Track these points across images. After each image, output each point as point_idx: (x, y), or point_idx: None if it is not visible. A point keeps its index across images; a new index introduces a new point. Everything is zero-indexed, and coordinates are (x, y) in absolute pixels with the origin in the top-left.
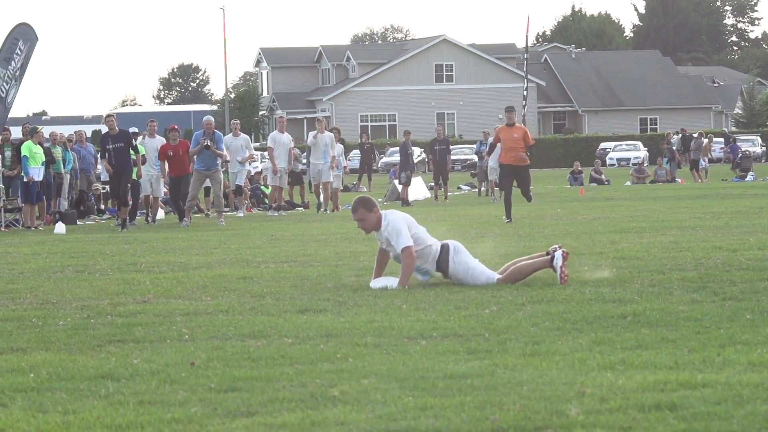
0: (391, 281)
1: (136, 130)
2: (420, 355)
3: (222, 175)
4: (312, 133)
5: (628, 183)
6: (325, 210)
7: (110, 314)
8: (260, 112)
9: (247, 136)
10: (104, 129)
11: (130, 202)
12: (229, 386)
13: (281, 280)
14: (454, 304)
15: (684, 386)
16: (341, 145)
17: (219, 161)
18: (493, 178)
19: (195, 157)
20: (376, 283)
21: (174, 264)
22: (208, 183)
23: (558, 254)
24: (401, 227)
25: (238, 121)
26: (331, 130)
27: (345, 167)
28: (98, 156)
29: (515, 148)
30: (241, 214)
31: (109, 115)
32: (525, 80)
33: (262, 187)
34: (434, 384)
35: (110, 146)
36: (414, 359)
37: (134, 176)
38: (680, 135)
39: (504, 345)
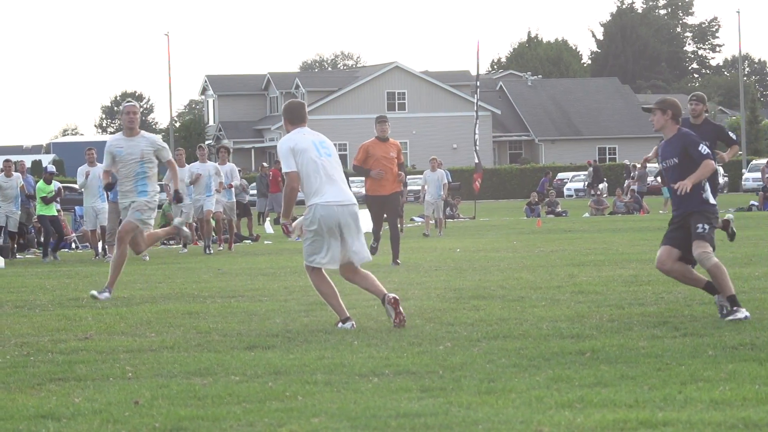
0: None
1: (53, 169)
2: (372, 393)
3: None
4: (195, 165)
5: (587, 214)
6: (209, 248)
7: (51, 351)
8: (206, 142)
9: (215, 164)
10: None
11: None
12: (175, 426)
13: (228, 315)
14: (407, 340)
15: (644, 425)
16: (231, 165)
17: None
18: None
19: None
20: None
21: (117, 299)
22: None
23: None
24: (287, 152)
25: (183, 150)
26: (219, 150)
27: (232, 187)
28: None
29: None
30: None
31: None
32: (476, 108)
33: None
34: (387, 423)
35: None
36: (366, 397)
37: (54, 211)
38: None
39: (459, 382)
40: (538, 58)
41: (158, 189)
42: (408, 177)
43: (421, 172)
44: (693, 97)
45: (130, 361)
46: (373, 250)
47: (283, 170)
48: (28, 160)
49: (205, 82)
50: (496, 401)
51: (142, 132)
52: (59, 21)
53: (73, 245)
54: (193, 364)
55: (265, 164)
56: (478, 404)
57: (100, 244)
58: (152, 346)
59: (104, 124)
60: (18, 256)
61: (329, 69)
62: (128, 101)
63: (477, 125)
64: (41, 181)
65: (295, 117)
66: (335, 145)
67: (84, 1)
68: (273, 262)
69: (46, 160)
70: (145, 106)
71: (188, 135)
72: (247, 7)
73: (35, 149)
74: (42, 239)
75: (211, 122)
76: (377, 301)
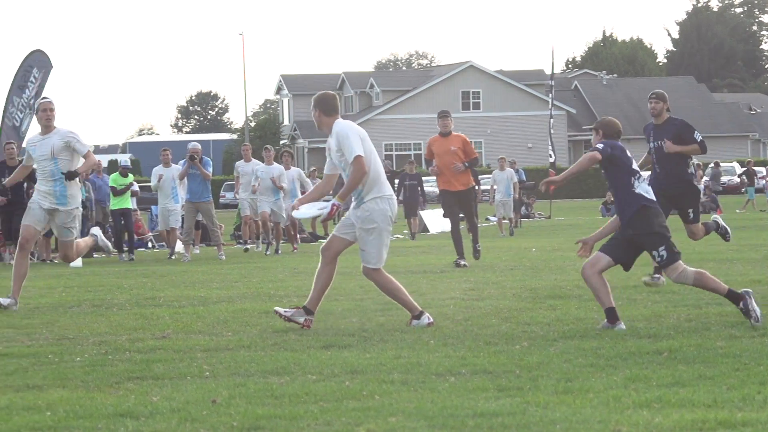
0: (318, 206)
1: (127, 163)
2: (449, 392)
3: (212, 206)
4: (260, 167)
5: None
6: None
7: (129, 350)
8: (281, 141)
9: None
10: (122, 158)
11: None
12: (252, 424)
13: None
14: (484, 339)
15: (723, 425)
16: (297, 169)
17: (209, 191)
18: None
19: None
20: (301, 212)
21: (194, 298)
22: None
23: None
24: (356, 136)
25: (249, 145)
26: (282, 155)
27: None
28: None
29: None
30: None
31: (8, 143)
32: (551, 107)
33: None
34: (464, 422)
35: (5, 178)
36: (442, 396)
37: (128, 205)
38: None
39: (536, 382)
40: (613, 57)
41: (79, 193)
42: (483, 176)
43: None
44: (652, 95)
45: (207, 360)
46: (477, 253)
47: (356, 153)
48: (104, 160)
49: (280, 81)
50: (573, 401)
51: (57, 128)
52: (136, 21)
53: (150, 244)
54: (270, 363)
55: None
56: (555, 404)
57: (179, 244)
58: (229, 345)
59: (180, 124)
60: (95, 255)
61: (404, 68)
62: (44, 98)
63: (552, 124)
64: (116, 173)
65: (331, 108)
66: (410, 144)
67: (160, 2)
68: (349, 261)
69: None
70: (220, 105)
71: (263, 135)
72: (322, 6)
73: (111, 149)
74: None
75: (285, 122)
76: (453, 300)
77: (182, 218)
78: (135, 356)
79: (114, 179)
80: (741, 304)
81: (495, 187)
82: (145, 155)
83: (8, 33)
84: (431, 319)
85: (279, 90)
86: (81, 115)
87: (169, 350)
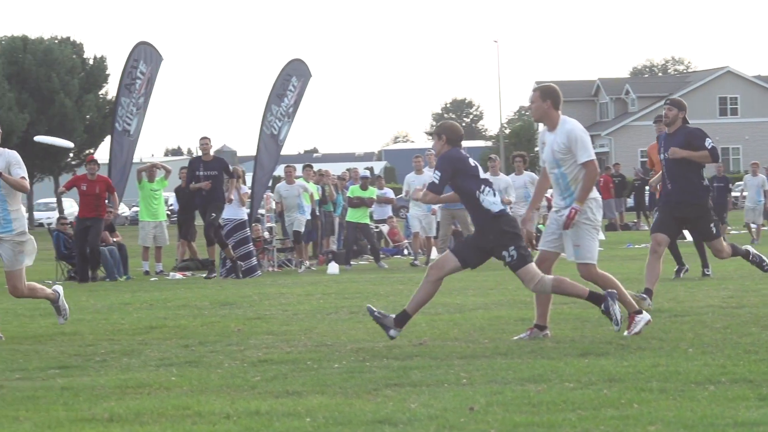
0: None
1: (366, 173)
2: (708, 401)
3: (467, 214)
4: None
5: None
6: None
7: (386, 357)
8: (536, 148)
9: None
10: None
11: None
12: None
13: (560, 322)
14: (743, 348)
15: None
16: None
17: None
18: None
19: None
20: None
21: (450, 305)
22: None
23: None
24: (587, 138)
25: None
26: (513, 159)
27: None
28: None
29: None
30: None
31: (204, 137)
32: None
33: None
34: (724, 431)
35: (201, 173)
36: (702, 405)
37: (365, 220)
38: None
39: None
40: None
41: (24, 215)
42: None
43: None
44: (666, 102)
45: (464, 367)
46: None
47: (591, 157)
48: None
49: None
50: None
51: (4, 150)
52: (391, 30)
53: (405, 251)
54: (526, 371)
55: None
56: None
57: (434, 251)
58: (486, 352)
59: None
60: (351, 263)
61: (659, 74)
62: None
63: None
64: (356, 185)
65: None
66: None
67: (415, 12)
68: (605, 268)
69: (378, 167)
70: (474, 113)
71: (518, 141)
72: (577, 12)
73: (367, 156)
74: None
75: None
76: (711, 307)
77: (437, 225)
78: (392, 363)
79: (353, 191)
80: (602, 306)
81: (744, 192)
82: (400, 162)
83: (268, 43)
84: (639, 322)
85: None
86: (338, 123)
87: (426, 357)
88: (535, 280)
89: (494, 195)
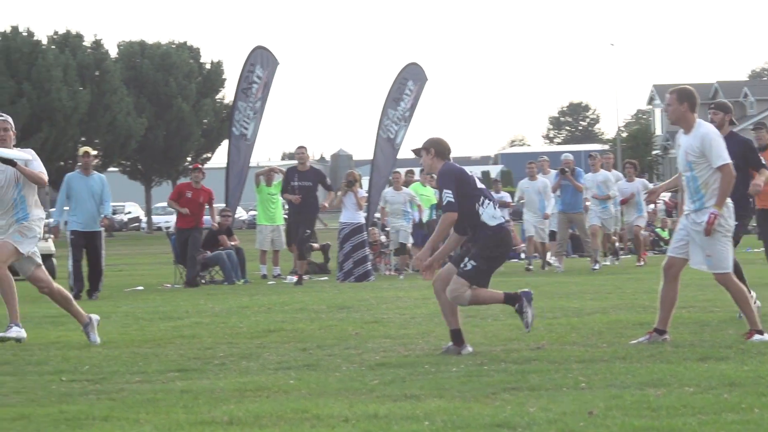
0: None
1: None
2: None
3: (584, 217)
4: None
5: None
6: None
7: (504, 361)
8: (653, 152)
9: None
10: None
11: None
12: None
13: (680, 326)
14: None
15: None
16: (642, 180)
17: (581, 202)
18: None
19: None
20: None
21: (568, 309)
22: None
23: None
24: (722, 141)
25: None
26: (624, 166)
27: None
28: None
29: None
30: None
31: (300, 147)
32: None
33: (658, 230)
34: None
35: (296, 183)
36: None
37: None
38: None
39: None
40: None
41: (40, 215)
42: None
43: None
44: (711, 105)
45: (582, 371)
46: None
47: (726, 161)
48: (477, 171)
49: (653, 91)
50: None
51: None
52: (505, 33)
53: (522, 255)
54: (646, 375)
55: None
56: None
57: (549, 255)
58: (604, 356)
59: (551, 135)
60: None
61: None
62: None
63: None
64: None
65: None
66: None
67: (531, 15)
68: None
69: (494, 171)
70: (591, 116)
71: (635, 145)
72: (695, 14)
73: (483, 160)
74: None
75: (658, 132)
76: None
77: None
78: (510, 367)
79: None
80: (516, 305)
81: None
82: (516, 166)
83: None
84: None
85: (651, 100)
86: (454, 127)
87: (544, 361)
88: (457, 294)
89: (494, 208)
